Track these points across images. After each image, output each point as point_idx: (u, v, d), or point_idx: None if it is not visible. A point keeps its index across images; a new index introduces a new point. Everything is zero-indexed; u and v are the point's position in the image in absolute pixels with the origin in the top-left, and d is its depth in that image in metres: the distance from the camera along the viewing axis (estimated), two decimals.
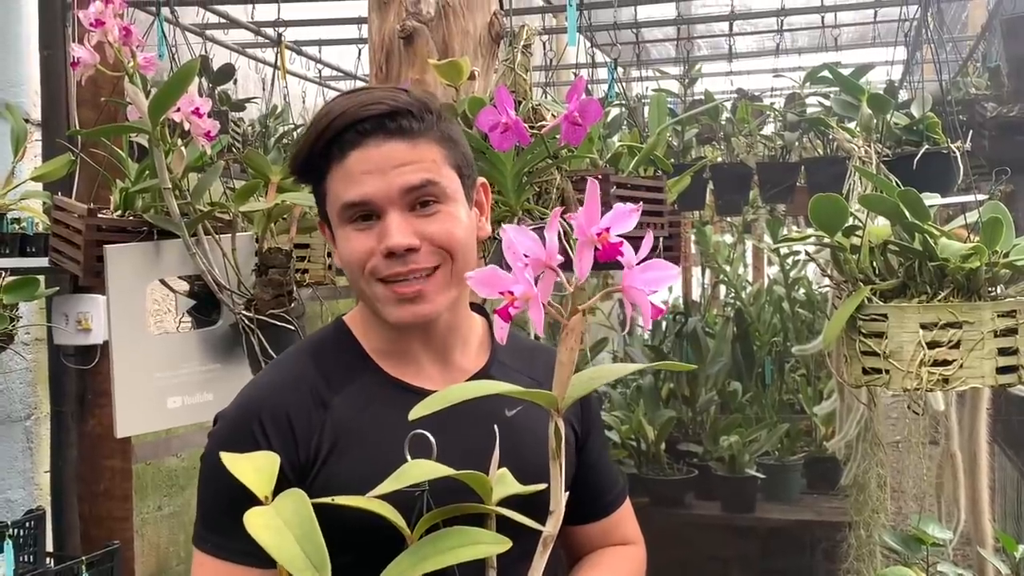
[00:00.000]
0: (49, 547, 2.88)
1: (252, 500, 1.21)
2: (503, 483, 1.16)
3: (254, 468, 1.03)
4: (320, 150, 1.29)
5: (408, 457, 1.20)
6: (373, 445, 1.25)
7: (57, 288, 2.65)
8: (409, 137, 1.27)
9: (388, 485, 1.05)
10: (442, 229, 1.27)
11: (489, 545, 1.06)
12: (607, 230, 0.95)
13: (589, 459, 1.49)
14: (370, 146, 1.26)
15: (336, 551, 1.13)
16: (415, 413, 1.04)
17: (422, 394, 1.29)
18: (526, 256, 0.97)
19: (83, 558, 2.69)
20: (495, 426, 1.21)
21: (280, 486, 1.21)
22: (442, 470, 1.10)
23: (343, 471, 1.24)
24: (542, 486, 1.10)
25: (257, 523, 0.94)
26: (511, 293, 0.96)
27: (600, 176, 2.09)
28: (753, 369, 5.60)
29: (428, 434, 1.21)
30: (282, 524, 0.94)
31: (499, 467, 1.17)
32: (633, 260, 0.96)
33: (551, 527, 1.05)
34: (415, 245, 1.25)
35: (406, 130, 1.27)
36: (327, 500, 1.04)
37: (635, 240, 0.96)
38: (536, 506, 1.10)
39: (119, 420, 2.15)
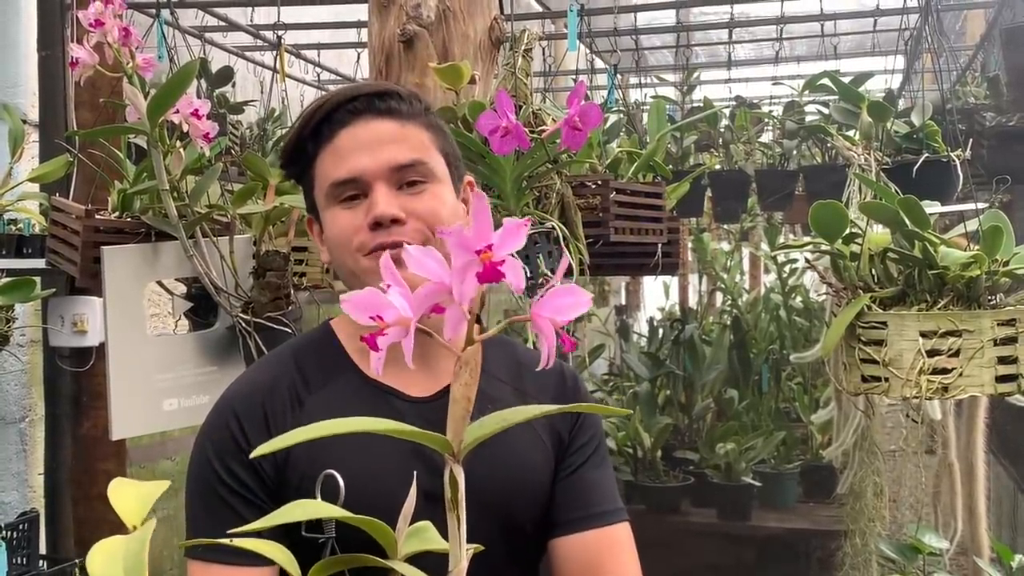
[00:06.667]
0: (43, 549, 2.87)
1: (233, 497, 1.22)
2: (420, 537, 1.01)
3: (137, 495, 0.95)
4: (310, 132, 1.30)
5: (319, 496, 1.14)
6: (340, 448, 1.17)
7: (53, 290, 2.64)
8: (398, 118, 1.29)
9: (259, 523, 0.90)
10: (428, 207, 1.27)
11: None
12: (490, 247, 0.80)
13: (571, 465, 1.37)
14: (359, 124, 1.28)
15: None
16: (257, 452, 0.87)
17: (399, 397, 1.29)
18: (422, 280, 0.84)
19: (76, 561, 2.68)
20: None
21: (262, 483, 1.23)
22: (331, 511, 1.01)
23: (314, 473, 1.19)
24: (475, 547, 0.95)
25: (101, 548, 0.87)
26: (381, 318, 0.84)
27: (600, 182, 2.09)
28: (750, 377, 5.61)
29: (336, 474, 1.16)
30: (120, 554, 0.85)
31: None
32: (521, 283, 0.81)
33: None
34: (401, 216, 1.24)
35: (395, 111, 1.29)
36: (225, 540, 0.95)
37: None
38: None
39: (115, 422, 2.14)
